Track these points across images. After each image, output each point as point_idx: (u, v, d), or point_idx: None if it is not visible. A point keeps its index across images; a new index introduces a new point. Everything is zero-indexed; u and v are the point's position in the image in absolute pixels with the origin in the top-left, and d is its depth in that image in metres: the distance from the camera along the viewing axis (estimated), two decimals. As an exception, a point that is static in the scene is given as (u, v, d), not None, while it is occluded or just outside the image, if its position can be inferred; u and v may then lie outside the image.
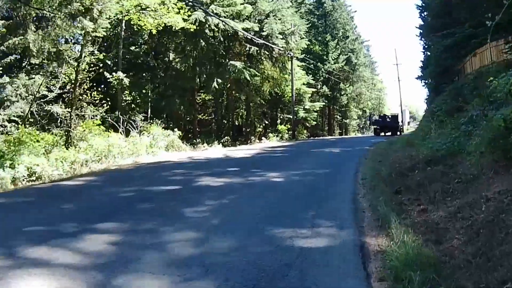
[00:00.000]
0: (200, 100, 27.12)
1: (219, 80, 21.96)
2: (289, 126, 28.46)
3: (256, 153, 13.86)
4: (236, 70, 21.93)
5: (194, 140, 20.38)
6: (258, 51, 23.40)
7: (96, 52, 16.75)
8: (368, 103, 50.26)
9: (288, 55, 25.51)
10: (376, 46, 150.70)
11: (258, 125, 27.73)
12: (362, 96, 44.92)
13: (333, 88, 38.13)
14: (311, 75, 32.93)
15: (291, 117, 28.84)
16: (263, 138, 25.13)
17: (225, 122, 26.81)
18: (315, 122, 34.01)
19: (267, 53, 24.04)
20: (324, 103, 35.41)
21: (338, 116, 42.97)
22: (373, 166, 8.81)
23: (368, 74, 47.98)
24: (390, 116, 36.63)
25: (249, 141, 23.95)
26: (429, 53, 33.60)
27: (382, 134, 32.58)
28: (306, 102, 30.69)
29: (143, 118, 19.04)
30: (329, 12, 39.06)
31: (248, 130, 25.49)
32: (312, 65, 34.15)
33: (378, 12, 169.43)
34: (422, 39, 36.56)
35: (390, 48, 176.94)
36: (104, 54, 18.74)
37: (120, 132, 15.29)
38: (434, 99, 18.97)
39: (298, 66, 30.40)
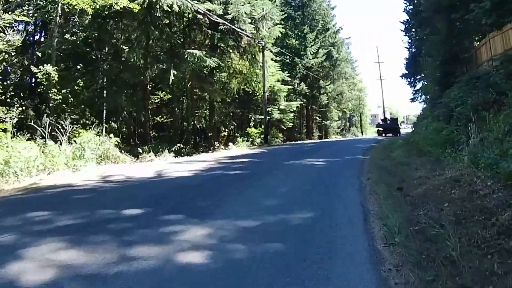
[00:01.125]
0: (158, 100, 22.87)
1: (175, 72, 17.85)
2: (262, 129, 24.23)
3: (205, 169, 9.57)
4: (196, 60, 17.83)
5: (139, 149, 16.04)
6: (223, 36, 19.31)
7: (12, 39, 13.14)
8: (349, 103, 46.79)
9: (259, 44, 21.41)
10: (355, 45, 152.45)
11: (224, 129, 23.42)
12: (343, 96, 41.14)
13: (312, 86, 34.19)
14: (287, 71, 28.94)
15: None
16: (230, 143, 20.87)
17: (186, 125, 22.49)
18: (291, 124, 29.87)
19: (233, 37, 19.87)
20: (301, 103, 31.36)
21: (317, 118, 38.91)
22: (392, 203, 4.80)
23: (350, 71, 44.41)
24: (390, 119, 42.34)
25: (212, 148, 19.70)
26: (415, 49, 30.58)
27: (384, 135, 35.78)
28: (281, 101, 26.54)
29: (80, 122, 15.04)
30: (307, 2, 35.16)
31: (211, 134, 21.21)
32: (288, 60, 30.11)
33: (356, 10, 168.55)
34: (407, 34, 33.51)
35: (368, 48, 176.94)
36: (21, 41, 14.95)
37: (44, 140, 11.42)
38: (438, 94, 15.32)
39: (272, 60, 26.30)
